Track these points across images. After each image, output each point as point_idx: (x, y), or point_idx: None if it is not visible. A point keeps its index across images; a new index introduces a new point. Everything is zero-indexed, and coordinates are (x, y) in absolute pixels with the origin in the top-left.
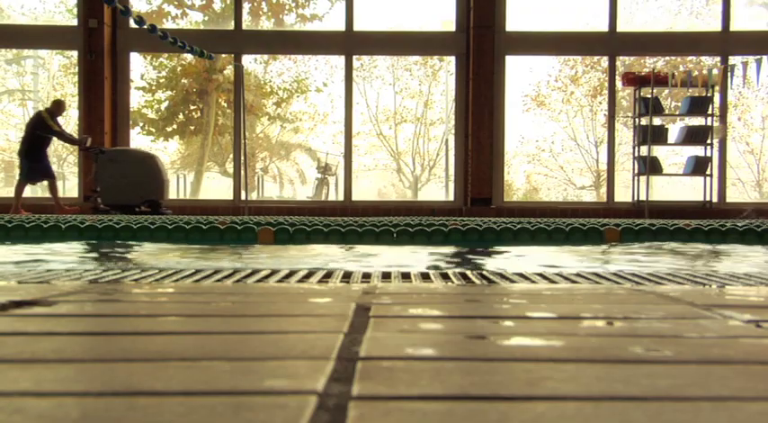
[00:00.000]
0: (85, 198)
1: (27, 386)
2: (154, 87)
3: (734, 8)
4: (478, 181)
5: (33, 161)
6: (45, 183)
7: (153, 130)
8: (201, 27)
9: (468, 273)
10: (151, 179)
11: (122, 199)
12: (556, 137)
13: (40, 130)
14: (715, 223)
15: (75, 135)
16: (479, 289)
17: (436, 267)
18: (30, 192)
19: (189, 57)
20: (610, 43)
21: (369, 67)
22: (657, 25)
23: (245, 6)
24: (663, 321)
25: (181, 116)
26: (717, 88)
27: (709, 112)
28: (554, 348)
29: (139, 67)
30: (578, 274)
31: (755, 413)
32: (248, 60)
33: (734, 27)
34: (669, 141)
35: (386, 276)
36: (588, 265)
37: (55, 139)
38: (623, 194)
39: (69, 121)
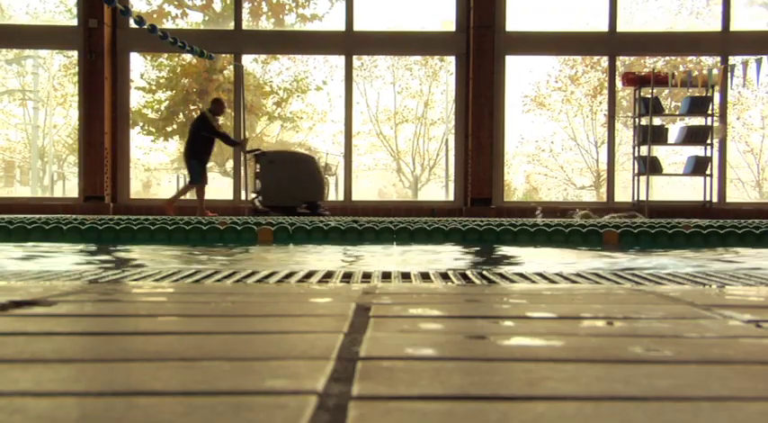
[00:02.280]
0: (85, 197)
1: (27, 386)
2: (154, 87)
3: (734, 8)
4: (478, 181)
5: (200, 162)
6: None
7: (153, 130)
8: (201, 27)
9: (468, 273)
10: (310, 181)
11: (283, 200)
12: (556, 137)
13: (206, 131)
14: (714, 225)
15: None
16: (479, 289)
17: (436, 267)
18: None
19: (189, 57)
20: (610, 43)
21: (369, 66)
22: (657, 25)
23: (245, 6)
24: (663, 321)
25: (181, 116)
26: (717, 88)
27: (709, 111)
28: (554, 348)
29: (139, 67)
30: (578, 274)
31: (755, 413)
32: (248, 60)
33: (734, 27)
34: (669, 141)
35: (386, 276)
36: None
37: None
38: (623, 194)
39: (70, 122)
